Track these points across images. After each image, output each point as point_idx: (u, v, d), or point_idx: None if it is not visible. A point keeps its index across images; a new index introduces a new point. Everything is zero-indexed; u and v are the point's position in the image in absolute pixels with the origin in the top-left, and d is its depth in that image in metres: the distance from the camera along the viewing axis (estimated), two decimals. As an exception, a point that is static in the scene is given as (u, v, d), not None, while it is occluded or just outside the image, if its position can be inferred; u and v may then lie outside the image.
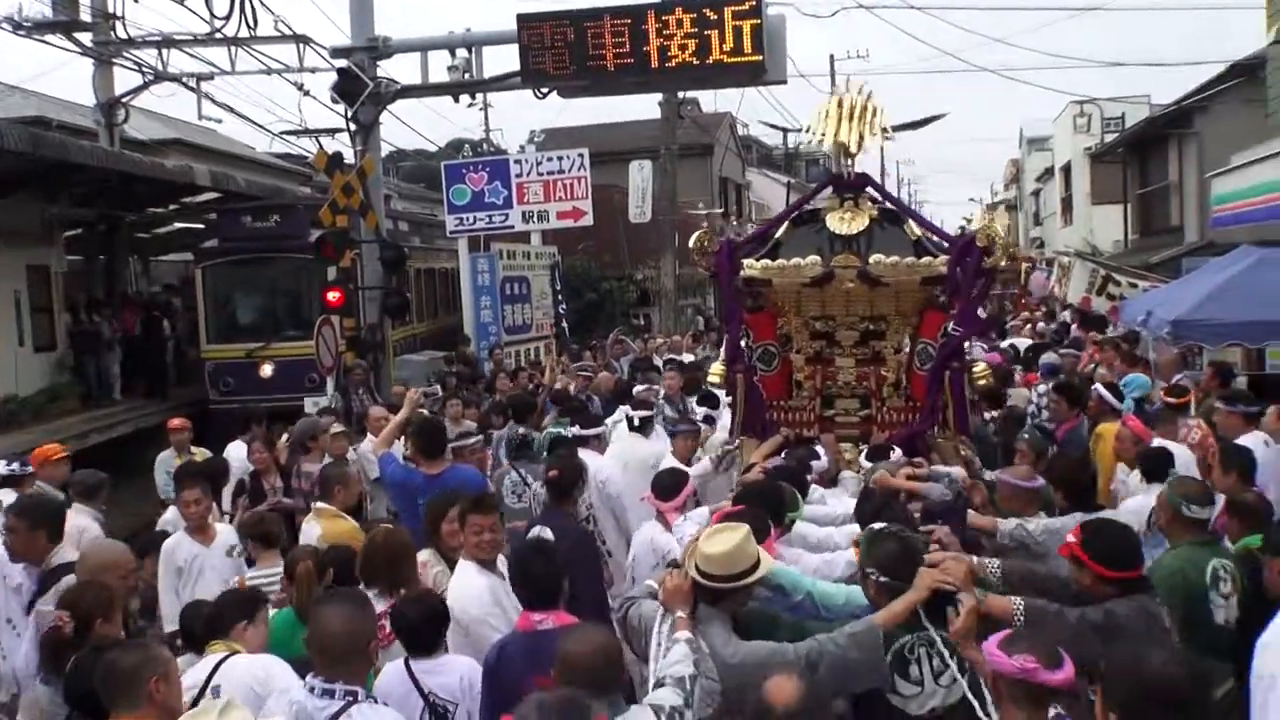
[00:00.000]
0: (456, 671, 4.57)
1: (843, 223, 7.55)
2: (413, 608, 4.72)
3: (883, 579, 4.12)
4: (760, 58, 15.28)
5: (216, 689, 4.33)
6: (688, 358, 16.32)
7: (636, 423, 9.18)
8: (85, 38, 19.30)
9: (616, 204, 26.62)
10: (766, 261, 7.71)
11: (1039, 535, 5.66)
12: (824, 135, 7.64)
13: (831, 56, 52.39)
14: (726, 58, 15.32)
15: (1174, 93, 26.76)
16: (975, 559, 4.55)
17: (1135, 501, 6.81)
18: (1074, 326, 18.12)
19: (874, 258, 7.36)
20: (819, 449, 7.21)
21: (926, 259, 7.32)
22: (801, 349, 8.06)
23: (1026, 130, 54.72)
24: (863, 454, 7.22)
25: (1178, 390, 9.06)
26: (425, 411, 10.16)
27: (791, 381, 8.10)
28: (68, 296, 19.21)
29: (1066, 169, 41.36)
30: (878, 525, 4.62)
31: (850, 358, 7.95)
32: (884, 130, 7.63)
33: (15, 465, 8.21)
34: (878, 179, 7.92)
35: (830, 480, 7.05)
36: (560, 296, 21.59)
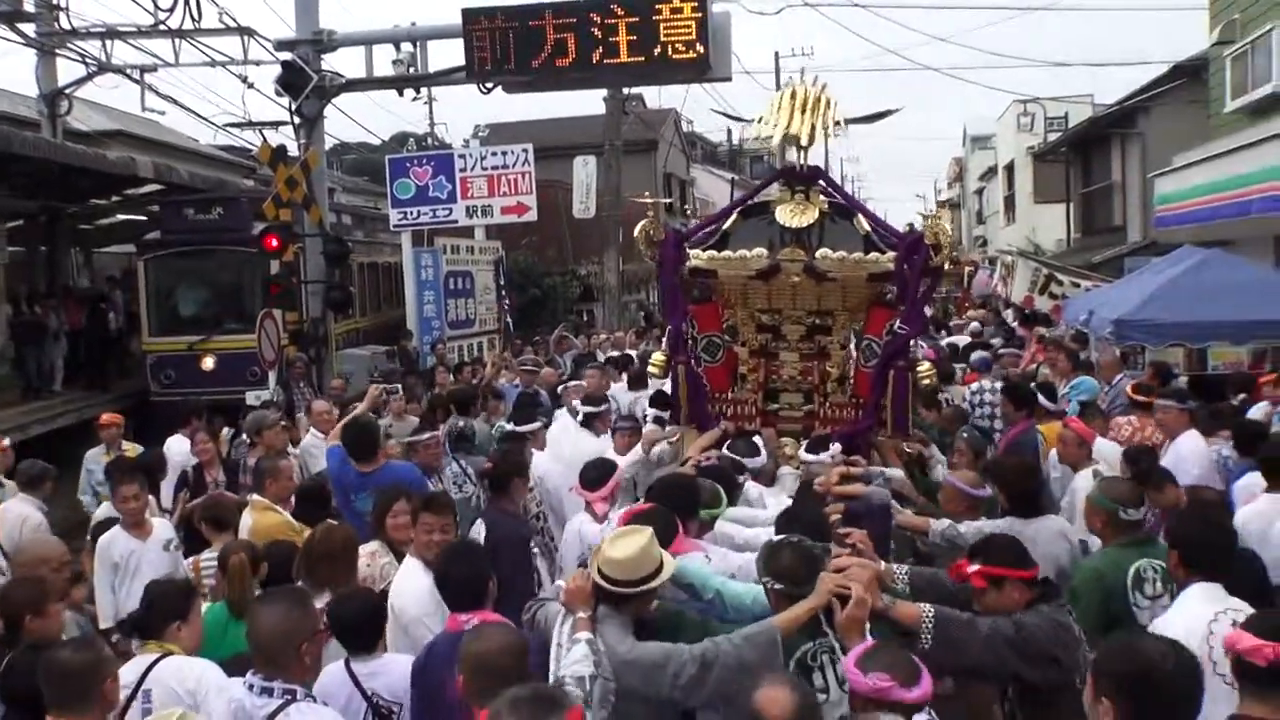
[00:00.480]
0: (398, 671, 4.51)
1: (792, 215, 7.49)
2: (348, 605, 4.65)
3: (778, 587, 4.12)
4: (704, 54, 15.49)
5: (147, 693, 4.26)
6: (630, 353, 16.53)
7: (582, 418, 9.27)
8: (29, 29, 19.19)
9: (560, 199, 26.73)
10: (713, 252, 7.67)
11: (970, 537, 5.58)
12: (776, 126, 7.51)
13: (776, 54, 52.73)
14: (671, 54, 15.53)
15: (1117, 93, 27.25)
16: (883, 565, 4.56)
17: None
18: (1017, 325, 18.47)
19: (820, 252, 7.33)
20: (759, 442, 7.16)
21: (874, 255, 7.27)
22: (747, 341, 8.02)
23: (970, 129, 55.45)
24: (803, 448, 7.21)
25: (1145, 388, 9.05)
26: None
27: (735, 374, 8.04)
28: (9, 288, 19.08)
29: (1010, 168, 42.03)
30: (777, 537, 4.58)
31: (795, 352, 7.88)
32: (836, 123, 7.55)
33: None
34: (796, 167, 7.72)
35: (770, 478, 7.01)
36: (504, 292, 21.71)
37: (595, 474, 6.65)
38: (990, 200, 50.22)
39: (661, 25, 15.46)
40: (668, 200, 38.68)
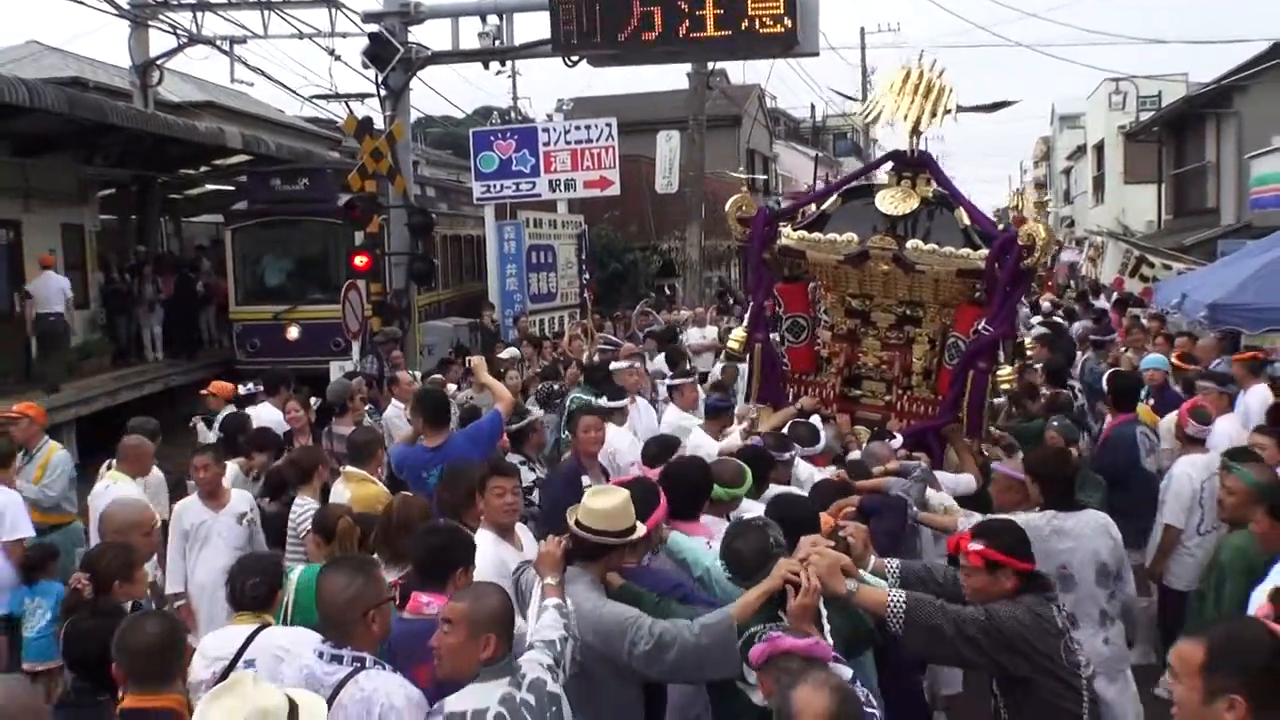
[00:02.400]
0: None
1: (892, 203, 7.43)
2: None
3: (729, 574, 4.24)
4: (792, 27, 15.24)
5: (251, 662, 4.28)
6: (710, 330, 16.44)
7: (674, 386, 9.41)
8: (123, 0, 19.48)
9: (643, 174, 26.59)
10: (803, 233, 7.62)
11: None
12: (889, 108, 7.47)
13: (862, 29, 52.23)
14: (758, 28, 15.30)
15: (1212, 72, 26.42)
16: (876, 558, 4.51)
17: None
18: (1108, 307, 17.97)
19: (911, 243, 7.21)
20: (820, 428, 7.09)
21: (965, 250, 7.15)
22: (835, 325, 7.96)
23: (1058, 107, 54.34)
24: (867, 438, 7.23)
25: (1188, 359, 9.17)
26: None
27: (818, 356, 8.01)
28: (101, 256, 19.44)
29: (1099, 147, 41.09)
30: (742, 519, 4.64)
31: (878, 340, 7.81)
32: (947, 111, 7.46)
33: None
34: (906, 152, 7.67)
35: (836, 459, 6.90)
36: (585, 266, 21.66)
37: (656, 451, 6.52)
38: (1078, 180, 49.24)
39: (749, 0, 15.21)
40: (750, 177, 38.49)
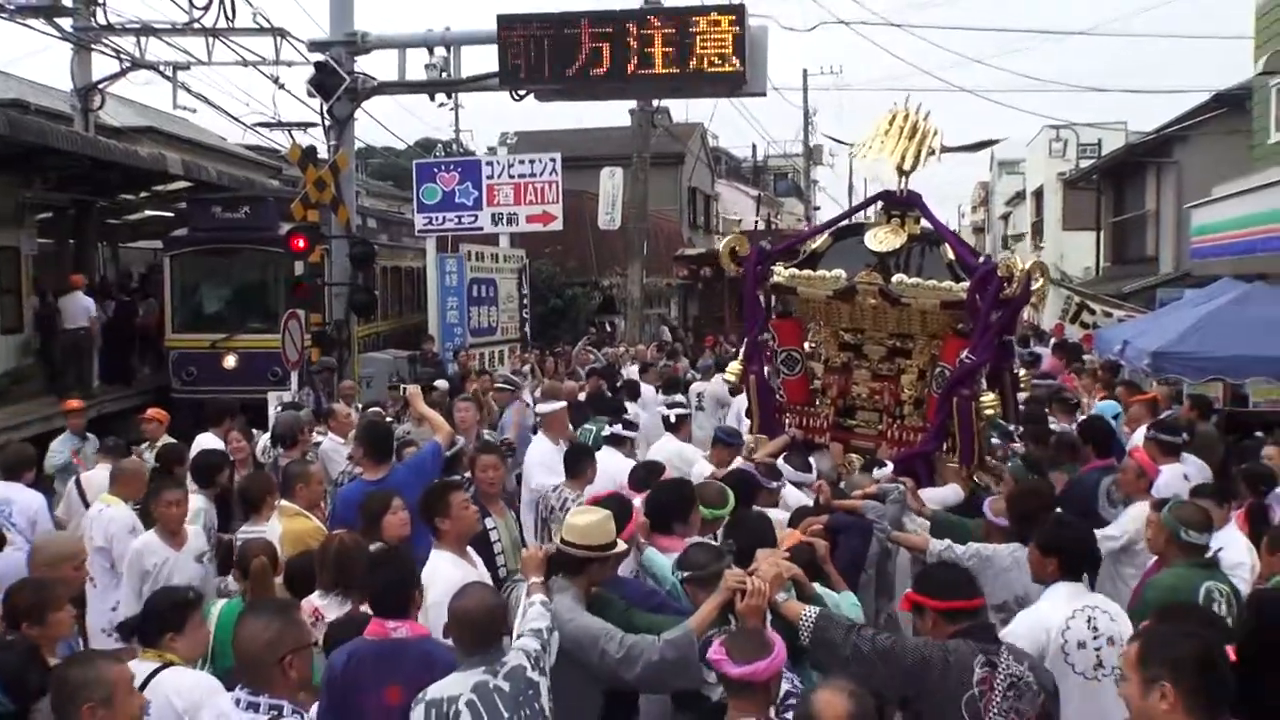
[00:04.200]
0: None
1: (880, 241, 7.82)
2: (344, 632, 4.57)
3: (685, 574, 4.69)
4: (741, 67, 15.43)
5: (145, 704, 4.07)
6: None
7: (673, 419, 9.59)
8: (65, 23, 19.30)
9: (586, 210, 26.71)
10: (794, 270, 8.09)
11: (967, 559, 5.78)
12: (879, 149, 7.88)
13: (805, 71, 52.91)
14: (707, 67, 15.47)
15: (1152, 121, 27.06)
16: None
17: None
18: (1047, 354, 18.16)
19: (896, 278, 7.58)
20: (813, 462, 7.43)
21: (947, 283, 7.47)
22: (828, 358, 8.37)
23: (998, 153, 55.35)
24: (858, 467, 7.62)
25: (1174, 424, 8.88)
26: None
27: (811, 388, 8.42)
28: (36, 280, 19.12)
29: (1038, 193, 41.84)
30: (695, 541, 5.09)
31: (870, 371, 8.17)
32: (931, 152, 7.86)
33: None
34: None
35: (833, 485, 7.13)
36: (526, 300, 21.67)
37: (643, 475, 6.84)
38: (1016, 225, 50.11)
39: (699, 38, 15.38)
40: (690, 215, 38.68)
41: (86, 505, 8.24)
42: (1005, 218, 54.21)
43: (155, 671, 4.31)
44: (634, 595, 4.92)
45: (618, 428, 8.93)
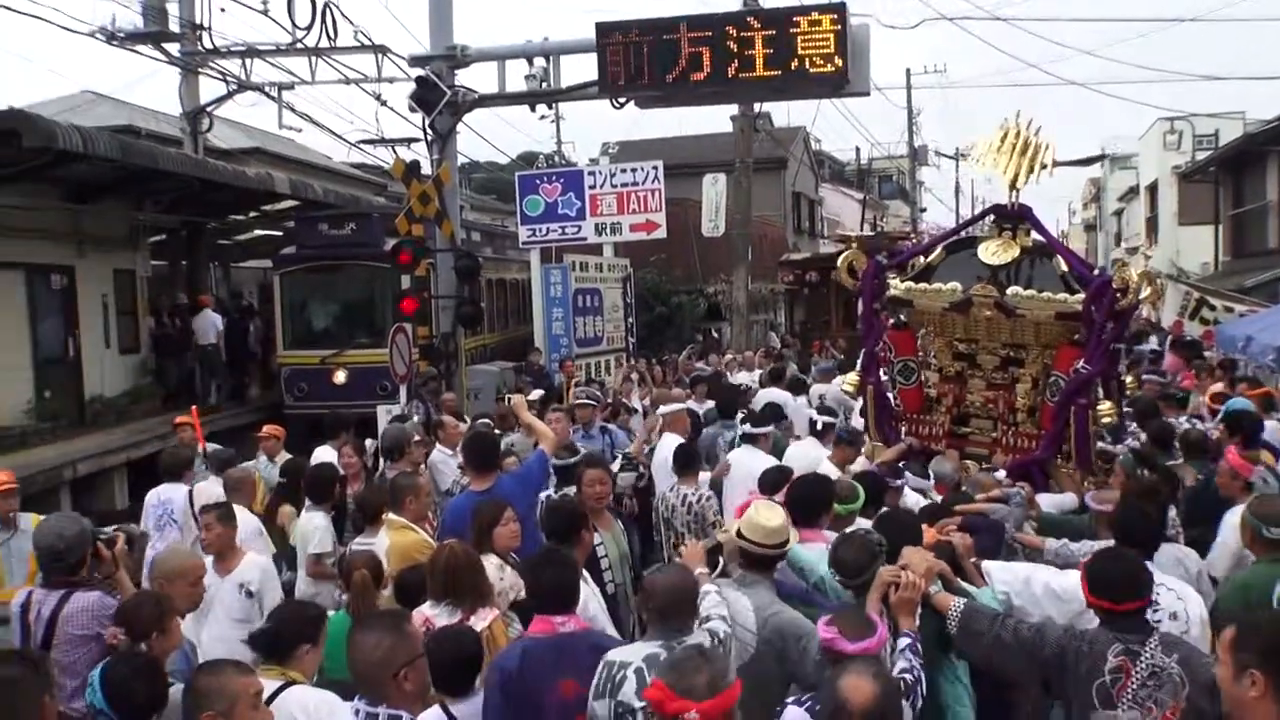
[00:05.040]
0: None
1: (993, 254, 8.07)
2: (444, 647, 4.44)
3: (838, 578, 4.81)
4: (843, 67, 15.10)
5: None
6: (756, 374, 16.32)
7: (819, 426, 9.73)
8: (174, 48, 19.76)
9: (689, 217, 26.52)
10: (910, 283, 8.36)
11: (1081, 556, 5.73)
12: (991, 165, 8.17)
13: (908, 70, 52.08)
14: (809, 68, 15.17)
15: (1272, 108, 26.04)
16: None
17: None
18: (1166, 352, 17.53)
19: (1011, 290, 7.80)
20: (931, 469, 7.74)
21: (1062, 295, 7.68)
22: (943, 368, 8.58)
23: (1108, 148, 53.83)
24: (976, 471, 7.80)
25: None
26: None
27: (927, 397, 8.65)
28: (151, 301, 19.60)
29: (1153, 188, 40.46)
30: (848, 530, 5.30)
31: (984, 380, 8.38)
32: (1044, 166, 8.05)
33: None
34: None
35: (955, 487, 7.33)
36: (631, 309, 21.52)
37: (776, 478, 6.98)
38: (1130, 222, 48.57)
39: (799, 38, 15.07)
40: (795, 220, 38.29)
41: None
42: (1118, 214, 52.63)
43: (282, 688, 4.23)
44: (792, 591, 5.17)
45: (746, 426, 9.27)
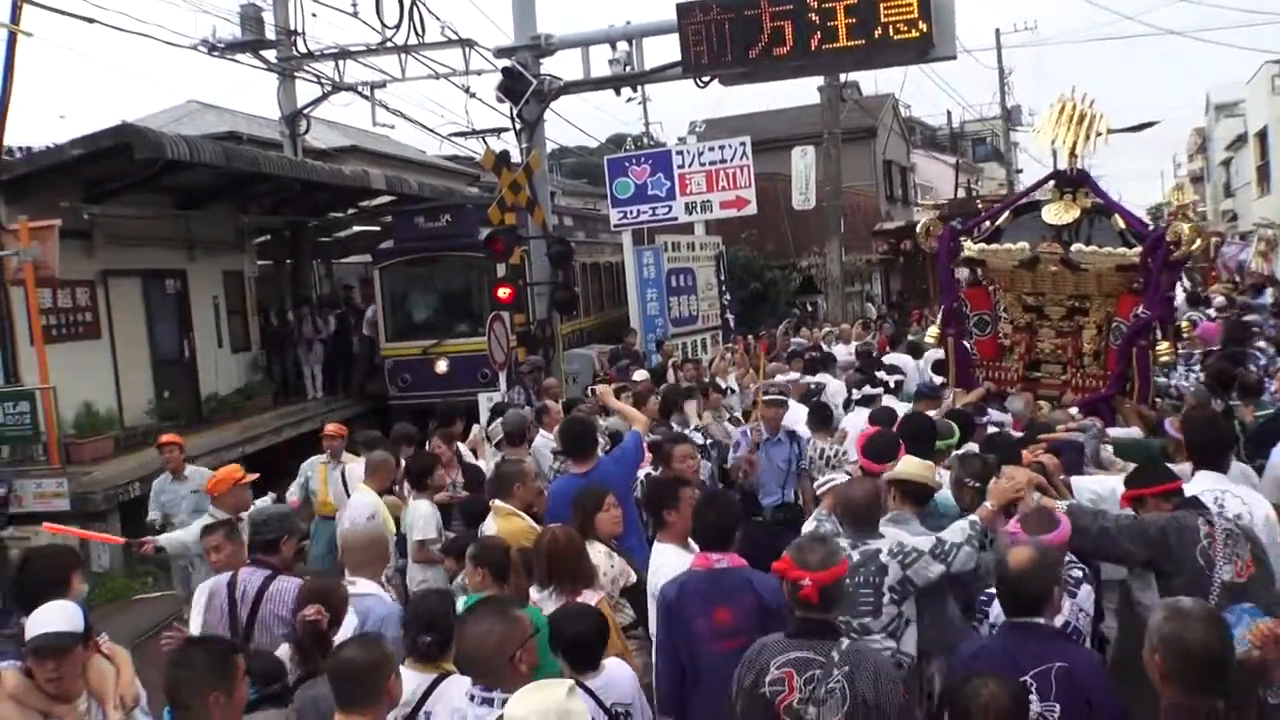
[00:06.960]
0: (626, 678, 4.61)
1: (1056, 215, 9.01)
2: (573, 624, 4.60)
3: (974, 484, 5.75)
4: (928, 31, 14.95)
5: (429, 714, 4.31)
6: (854, 345, 16.28)
7: (892, 384, 10.44)
8: (270, 55, 20.33)
9: (779, 192, 26.45)
10: (983, 245, 9.37)
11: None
12: (1051, 136, 9.09)
13: (997, 30, 50.89)
14: (892, 34, 15.04)
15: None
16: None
17: None
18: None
19: (1075, 247, 8.81)
20: (1008, 404, 8.79)
21: (1122, 250, 8.65)
22: (1014, 319, 9.63)
23: (1214, 96, 52.12)
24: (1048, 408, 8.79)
25: None
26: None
27: (1001, 345, 9.68)
28: (259, 300, 20.23)
29: (1262, 135, 39.07)
30: (966, 448, 6.71)
31: (1052, 329, 9.43)
32: (1099, 134, 8.98)
33: None
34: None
35: (1030, 424, 8.01)
36: (725, 287, 21.55)
37: (885, 414, 8.21)
38: (1239, 171, 46.99)
39: (881, 5, 14.94)
40: (886, 190, 37.82)
41: (348, 494, 8.91)
42: (1226, 164, 50.93)
43: (437, 681, 4.41)
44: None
45: (866, 389, 10.12)
